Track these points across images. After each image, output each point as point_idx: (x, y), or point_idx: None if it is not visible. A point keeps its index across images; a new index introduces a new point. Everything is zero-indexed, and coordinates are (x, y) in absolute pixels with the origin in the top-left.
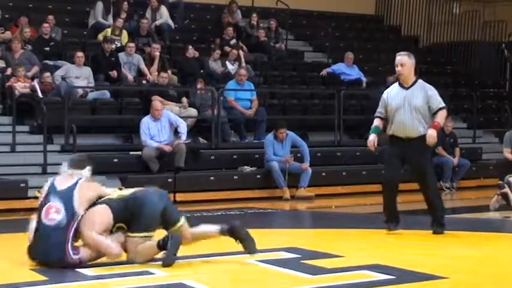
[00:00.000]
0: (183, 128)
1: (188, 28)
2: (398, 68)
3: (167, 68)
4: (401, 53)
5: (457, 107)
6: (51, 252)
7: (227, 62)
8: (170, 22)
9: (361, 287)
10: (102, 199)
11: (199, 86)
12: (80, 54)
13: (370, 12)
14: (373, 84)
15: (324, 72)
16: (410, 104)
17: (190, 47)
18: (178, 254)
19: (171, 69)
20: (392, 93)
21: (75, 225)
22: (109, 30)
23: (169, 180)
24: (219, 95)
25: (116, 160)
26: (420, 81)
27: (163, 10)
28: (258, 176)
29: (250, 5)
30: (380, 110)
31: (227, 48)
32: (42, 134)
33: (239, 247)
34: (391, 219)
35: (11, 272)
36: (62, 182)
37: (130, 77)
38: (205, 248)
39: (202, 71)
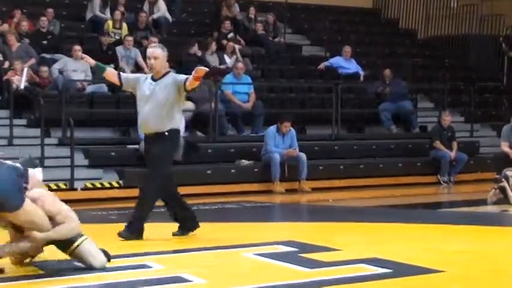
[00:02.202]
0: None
1: (186, 21)
2: (151, 61)
3: None
4: (153, 45)
5: (454, 101)
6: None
7: (225, 56)
8: (168, 15)
9: (359, 280)
10: None
11: None
12: (77, 47)
13: (368, 6)
14: (371, 77)
15: (322, 66)
16: (156, 97)
17: (196, 44)
18: (180, 247)
19: (168, 63)
20: (144, 83)
21: None
22: (110, 23)
23: None
24: (216, 88)
25: (113, 153)
26: (171, 73)
27: (161, 3)
28: (256, 170)
29: None
30: (127, 75)
31: (224, 42)
32: (39, 128)
33: (237, 240)
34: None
35: (7, 265)
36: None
37: (127, 70)
38: (203, 241)
39: (199, 64)
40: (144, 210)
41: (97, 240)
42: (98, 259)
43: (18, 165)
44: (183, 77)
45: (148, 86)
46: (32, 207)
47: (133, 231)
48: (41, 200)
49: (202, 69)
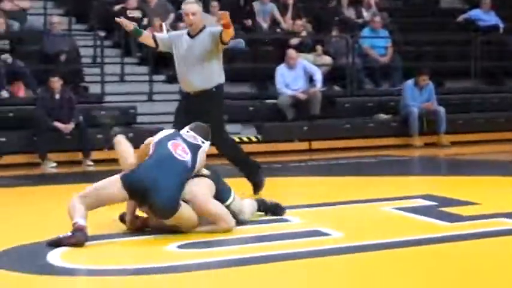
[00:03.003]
0: (318, 76)
1: None
2: (190, 17)
3: (301, 16)
4: (188, 0)
5: None
6: (167, 186)
7: (362, 9)
8: None
9: (500, 234)
10: (202, 173)
11: (333, 33)
12: (214, 3)
13: None
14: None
15: (461, 18)
16: (193, 54)
17: None
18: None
19: (305, 17)
20: (180, 41)
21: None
22: None
23: (305, 128)
24: (353, 42)
25: (251, 108)
26: (207, 28)
27: None
28: (394, 124)
29: None
30: (162, 35)
31: None
32: (177, 84)
33: (375, 194)
34: None
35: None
36: (187, 136)
37: (264, 25)
38: (340, 195)
39: (336, 18)
40: (248, 168)
41: None
42: (247, 216)
43: (187, 160)
44: (218, 29)
45: (186, 43)
46: (182, 213)
47: (256, 187)
48: (192, 202)
49: (224, 13)
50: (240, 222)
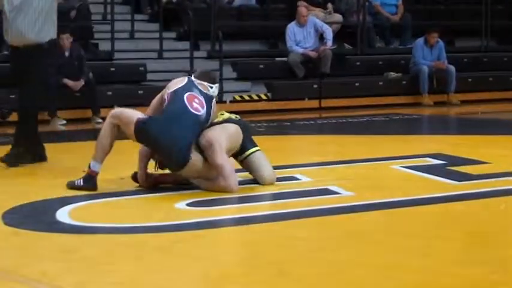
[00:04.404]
0: (328, 33)
1: None
2: None
3: None
4: None
5: None
6: (179, 139)
7: None
8: None
9: (509, 193)
10: (227, 119)
11: None
12: None
13: None
14: None
15: None
16: (30, 4)
17: None
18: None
19: None
20: None
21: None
22: None
23: (315, 86)
24: (364, 0)
25: (261, 66)
26: None
27: None
28: (404, 82)
29: None
30: None
31: None
32: (188, 41)
33: (384, 153)
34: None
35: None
36: (199, 84)
37: None
38: (350, 154)
39: None
40: (23, 140)
41: None
42: (267, 171)
43: (202, 113)
44: None
45: None
46: (194, 164)
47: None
48: (206, 150)
49: None
50: (258, 177)
